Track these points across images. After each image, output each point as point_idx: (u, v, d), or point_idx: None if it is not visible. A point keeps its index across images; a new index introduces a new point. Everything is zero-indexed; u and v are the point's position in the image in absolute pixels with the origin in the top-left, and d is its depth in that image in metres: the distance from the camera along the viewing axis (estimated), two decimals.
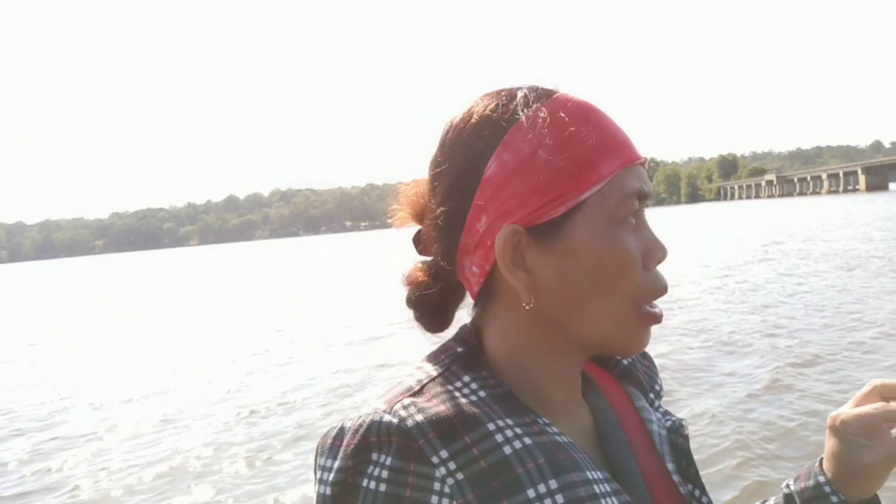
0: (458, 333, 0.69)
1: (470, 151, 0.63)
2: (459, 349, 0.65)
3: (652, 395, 0.76)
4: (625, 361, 0.77)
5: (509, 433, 0.56)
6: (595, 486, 0.57)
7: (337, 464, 0.55)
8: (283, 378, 7.84)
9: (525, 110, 0.62)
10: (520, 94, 0.64)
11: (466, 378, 0.61)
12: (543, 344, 0.64)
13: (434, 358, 0.65)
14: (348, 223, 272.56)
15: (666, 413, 0.76)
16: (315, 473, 0.58)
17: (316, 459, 0.58)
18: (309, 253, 57.75)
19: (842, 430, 0.66)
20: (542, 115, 0.61)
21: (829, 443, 0.68)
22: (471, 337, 0.67)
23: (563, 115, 0.61)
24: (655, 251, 0.61)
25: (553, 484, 0.55)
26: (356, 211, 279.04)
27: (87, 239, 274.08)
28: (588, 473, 0.58)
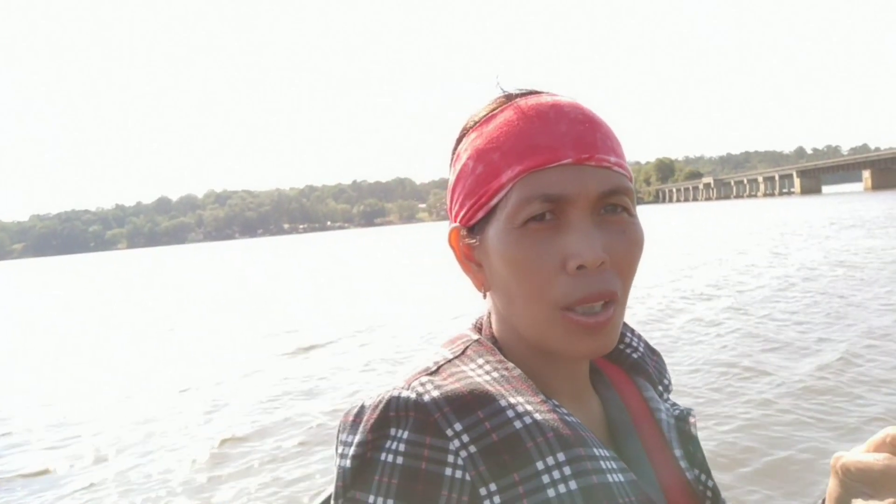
0: (474, 323, 0.74)
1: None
2: (475, 336, 0.69)
3: (660, 388, 0.78)
4: (634, 356, 0.78)
5: (520, 409, 0.58)
6: (602, 462, 0.59)
7: (357, 438, 0.57)
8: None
9: (475, 120, 0.69)
10: (490, 101, 0.69)
11: (481, 360, 0.64)
12: (519, 338, 0.67)
13: (450, 343, 0.69)
14: (286, 225, 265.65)
15: (674, 404, 0.78)
16: (336, 450, 0.59)
17: (338, 437, 0.60)
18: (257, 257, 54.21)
19: (841, 475, 0.63)
20: (487, 124, 0.66)
21: (830, 484, 0.66)
22: (486, 327, 0.71)
23: (503, 121, 0.65)
24: (573, 256, 0.61)
25: (561, 457, 0.57)
26: (294, 213, 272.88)
27: (4, 243, 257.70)
28: (595, 450, 0.59)
